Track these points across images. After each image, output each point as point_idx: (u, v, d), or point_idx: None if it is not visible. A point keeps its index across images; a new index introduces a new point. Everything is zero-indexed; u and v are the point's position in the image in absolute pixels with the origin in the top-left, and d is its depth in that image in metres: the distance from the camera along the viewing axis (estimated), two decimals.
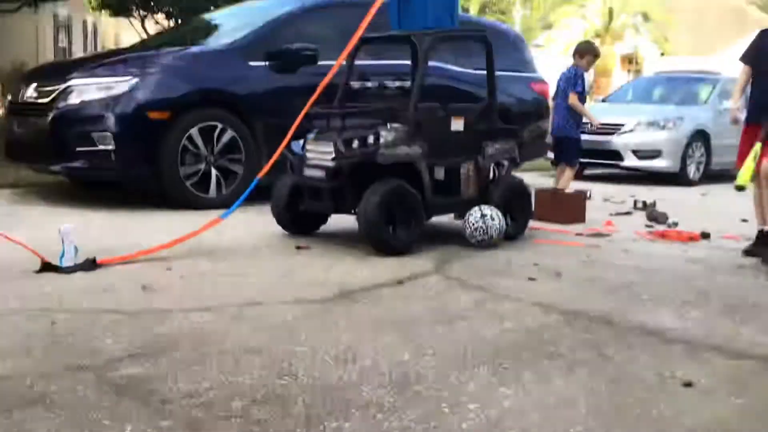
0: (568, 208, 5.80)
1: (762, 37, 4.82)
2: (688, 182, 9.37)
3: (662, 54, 36.61)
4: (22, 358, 2.52)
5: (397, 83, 6.57)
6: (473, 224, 4.59)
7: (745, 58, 4.86)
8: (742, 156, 4.65)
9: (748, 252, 4.63)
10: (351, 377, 2.43)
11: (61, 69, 6.34)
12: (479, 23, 7.99)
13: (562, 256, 4.48)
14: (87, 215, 5.33)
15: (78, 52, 21.51)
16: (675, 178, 9.35)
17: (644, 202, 6.68)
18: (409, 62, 5.29)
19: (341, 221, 4.93)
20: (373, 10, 4.94)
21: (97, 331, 2.82)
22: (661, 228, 5.65)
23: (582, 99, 6.33)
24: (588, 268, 4.21)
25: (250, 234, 4.81)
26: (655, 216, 6.00)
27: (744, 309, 3.42)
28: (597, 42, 25.12)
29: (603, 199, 7.26)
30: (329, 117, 4.56)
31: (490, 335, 2.92)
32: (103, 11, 15.69)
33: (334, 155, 4.38)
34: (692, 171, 9.54)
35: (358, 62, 5.20)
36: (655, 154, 9.30)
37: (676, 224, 5.80)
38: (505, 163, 5.62)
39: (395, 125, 4.51)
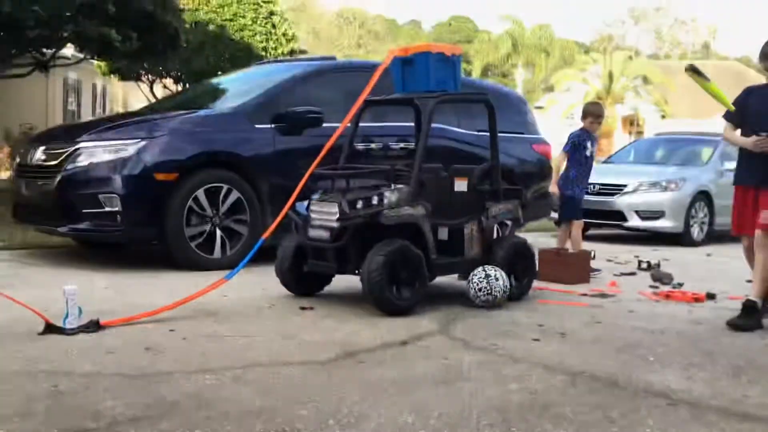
0: (573, 269, 5.80)
1: (746, 96, 4.61)
2: (691, 242, 9.37)
3: (663, 116, 37.07)
4: (24, 421, 2.51)
5: (401, 145, 6.66)
6: (477, 284, 4.59)
7: (728, 115, 4.63)
8: (736, 217, 4.62)
9: (731, 324, 4.28)
10: None
11: (70, 132, 6.44)
12: (482, 86, 8.14)
13: (567, 317, 4.46)
14: (91, 276, 5.35)
15: (87, 115, 21.86)
16: (679, 239, 9.35)
17: (648, 263, 6.67)
18: (412, 124, 5.37)
19: (345, 282, 4.93)
20: (377, 74, 5.05)
21: (99, 394, 2.80)
22: (665, 289, 5.63)
23: (584, 160, 6.33)
24: (592, 328, 4.19)
25: (254, 295, 4.81)
26: (659, 276, 5.98)
27: (750, 370, 3.39)
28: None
29: (607, 259, 7.25)
30: (334, 178, 4.61)
31: (495, 397, 2.89)
32: (112, 75, 16.02)
33: (338, 216, 4.41)
34: (696, 231, 9.55)
35: (362, 124, 5.29)
36: (658, 214, 9.34)
37: (681, 285, 5.79)
38: (509, 223, 5.65)
39: (399, 186, 4.56)
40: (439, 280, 4.94)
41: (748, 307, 4.31)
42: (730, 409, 2.83)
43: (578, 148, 6.32)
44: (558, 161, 6.54)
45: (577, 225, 6.45)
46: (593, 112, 6.43)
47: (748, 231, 4.51)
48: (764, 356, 3.67)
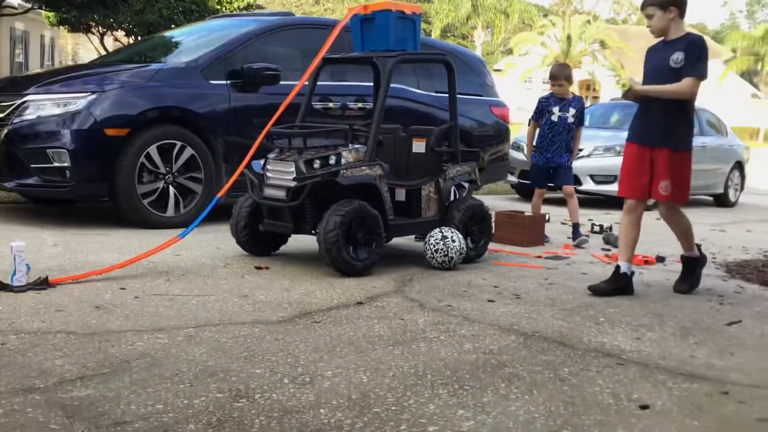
0: (528, 231, 5.85)
1: (646, 55, 4.37)
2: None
3: (618, 81, 37.46)
4: None
5: (359, 104, 6.60)
6: (434, 246, 4.60)
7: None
8: (624, 174, 4.33)
9: (593, 289, 4.16)
10: (309, 399, 2.40)
11: (18, 84, 6.23)
12: (441, 46, 8.08)
13: (522, 279, 4.51)
14: (40, 233, 5.21)
15: (35, 68, 21.16)
16: None
17: (601, 226, 6.77)
18: (370, 83, 5.31)
19: (301, 242, 4.90)
20: (335, 31, 4.97)
21: (48, 352, 2.74)
22: (616, 251, 5.73)
23: (547, 126, 6.12)
24: (546, 290, 4.24)
25: (209, 254, 4.75)
26: (611, 240, 6.09)
27: (697, 332, 3.47)
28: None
29: (561, 222, 7.34)
30: (290, 137, 4.55)
31: (450, 357, 2.91)
32: (61, 27, 15.48)
33: (294, 175, 4.36)
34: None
35: (320, 83, 5.21)
36: (612, 179, 9.46)
37: None
38: (466, 185, 5.67)
39: (356, 146, 4.52)
40: (396, 241, 4.94)
41: (689, 262, 4.41)
42: (678, 368, 2.91)
43: (543, 113, 6.16)
44: (529, 131, 6.36)
45: (538, 193, 6.32)
46: (551, 74, 6.30)
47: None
48: (711, 318, 3.77)
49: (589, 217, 7.72)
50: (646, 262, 5.28)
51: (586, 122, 11.53)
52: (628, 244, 4.26)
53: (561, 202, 9.47)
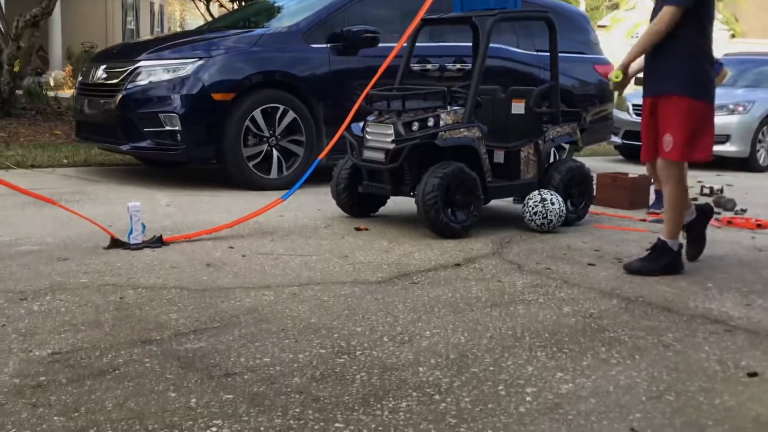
0: (631, 194, 5.69)
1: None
2: (758, 168, 9.08)
3: (732, 35, 35.35)
4: (93, 331, 2.63)
5: (458, 65, 6.54)
6: (533, 208, 4.55)
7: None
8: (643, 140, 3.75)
9: (627, 268, 3.68)
10: (408, 357, 2.46)
11: (130, 50, 6.51)
12: (542, 3, 7.86)
13: (624, 243, 4.40)
14: (153, 194, 5.49)
15: (145, 35, 21.99)
16: (744, 164, 9.06)
17: (711, 188, 6.50)
18: (469, 44, 5.25)
19: (400, 203, 4.95)
20: None
21: (163, 306, 2.91)
22: (728, 215, 5.50)
23: None
24: None
25: (310, 215, 4.88)
26: (722, 203, 5.84)
27: None
28: None
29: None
30: (389, 99, 4.57)
31: (548, 319, 2.90)
32: None
33: (393, 137, 4.39)
34: (762, 156, 9.23)
35: (419, 44, 5.19)
36: (723, 138, 9.02)
37: (744, 211, 5.64)
38: (566, 146, 5.55)
39: (455, 108, 4.50)
40: (494, 203, 4.92)
41: (658, 247, 3.69)
42: None
43: None
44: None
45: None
46: None
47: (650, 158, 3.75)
48: None
49: (698, 179, 7.41)
50: (759, 226, 5.04)
51: None
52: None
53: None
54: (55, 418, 1.97)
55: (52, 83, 14.57)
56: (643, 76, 3.73)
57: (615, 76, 3.65)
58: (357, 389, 2.20)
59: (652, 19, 3.57)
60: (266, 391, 2.17)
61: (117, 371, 2.28)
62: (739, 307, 3.15)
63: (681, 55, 3.50)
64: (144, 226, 3.90)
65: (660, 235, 3.74)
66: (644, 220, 5.18)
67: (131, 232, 3.85)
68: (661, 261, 3.66)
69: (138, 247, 3.81)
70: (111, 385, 2.18)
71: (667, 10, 3.45)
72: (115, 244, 3.81)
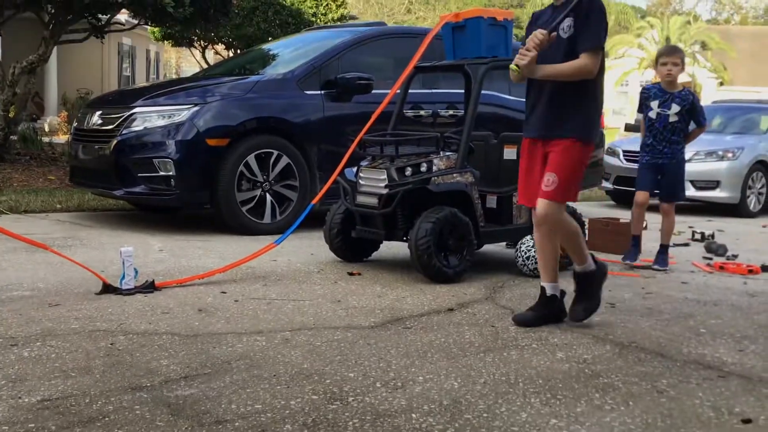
0: (623, 239, 5.71)
1: (529, 25, 3.53)
2: (748, 213, 9.15)
3: (721, 83, 35.95)
4: (83, 377, 2.60)
5: (451, 111, 6.62)
6: (525, 253, 4.57)
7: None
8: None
9: (516, 320, 3.48)
10: (401, 404, 2.44)
11: (126, 97, 6.57)
12: None
13: (617, 288, 4.41)
14: (146, 239, 5.48)
15: (141, 81, 22.20)
16: (735, 210, 9.13)
17: (702, 234, 6.54)
18: (462, 91, 5.32)
19: (393, 249, 4.95)
20: (427, 40, 5.01)
21: (154, 352, 2.89)
22: (719, 260, 5.52)
23: (647, 122, 5.26)
24: (643, 299, 4.14)
25: (303, 260, 4.88)
26: (713, 248, 5.87)
27: None
28: (653, 73, 24.48)
29: (659, 229, 7.11)
30: (383, 144, 4.61)
31: (542, 365, 2.89)
32: (165, 41, 16.19)
33: (387, 182, 4.42)
34: (753, 202, 9.31)
35: (412, 91, 5.26)
36: (713, 185, 9.12)
37: (735, 257, 5.67)
38: None
39: (448, 153, 4.54)
40: (487, 247, 4.93)
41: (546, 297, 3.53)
42: None
43: (642, 107, 5.25)
44: (641, 128, 5.42)
45: (640, 195, 5.49)
46: (659, 53, 5.26)
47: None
48: None
49: (689, 224, 7.46)
50: (751, 272, 5.06)
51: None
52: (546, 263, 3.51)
53: (656, 209, 9.19)
54: None
55: (47, 129, 14.66)
56: (529, 113, 3.51)
57: (515, 67, 3.32)
58: None
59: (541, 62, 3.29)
60: None
61: (107, 418, 2.25)
62: (732, 353, 3.15)
63: (580, 100, 3.35)
64: (136, 271, 3.89)
65: (575, 267, 3.56)
66: (637, 266, 5.19)
67: (123, 277, 3.84)
68: (594, 291, 3.52)
69: (130, 292, 3.80)
70: None
71: (591, 58, 3.24)
72: (107, 289, 3.80)
